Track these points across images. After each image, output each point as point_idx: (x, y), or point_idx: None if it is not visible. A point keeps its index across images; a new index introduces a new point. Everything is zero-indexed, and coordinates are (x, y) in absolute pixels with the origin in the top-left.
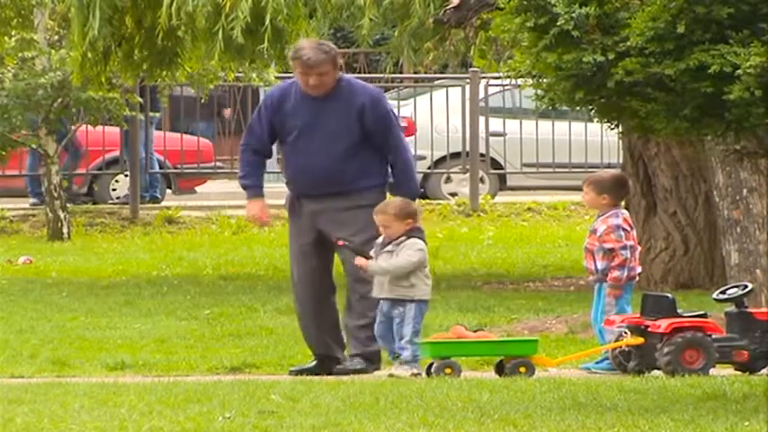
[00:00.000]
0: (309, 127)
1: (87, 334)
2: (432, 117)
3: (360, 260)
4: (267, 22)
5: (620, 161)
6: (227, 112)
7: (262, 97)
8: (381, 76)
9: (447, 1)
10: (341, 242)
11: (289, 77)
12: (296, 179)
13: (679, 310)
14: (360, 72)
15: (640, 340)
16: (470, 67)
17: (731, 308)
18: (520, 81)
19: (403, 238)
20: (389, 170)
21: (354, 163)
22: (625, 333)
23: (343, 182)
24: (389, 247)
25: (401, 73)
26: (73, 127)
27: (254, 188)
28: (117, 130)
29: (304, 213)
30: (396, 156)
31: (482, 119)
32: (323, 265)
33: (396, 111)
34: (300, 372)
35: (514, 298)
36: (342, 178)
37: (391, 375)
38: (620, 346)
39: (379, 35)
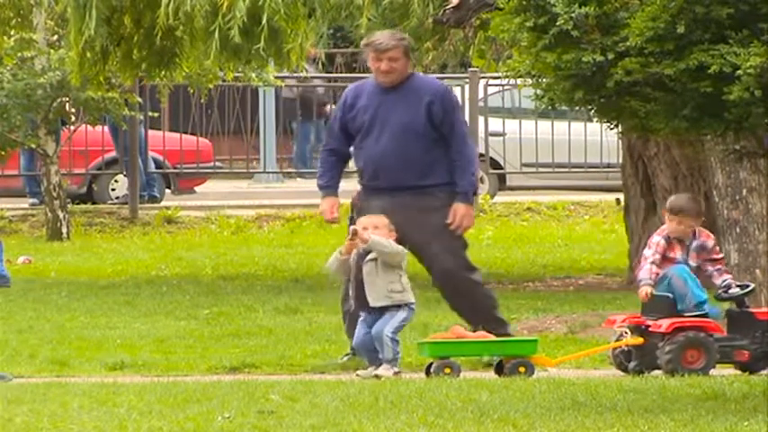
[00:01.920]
0: (380, 120)
1: (86, 334)
2: None
3: (359, 230)
4: (263, 21)
5: (620, 161)
6: (328, 109)
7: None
8: None
9: (446, 1)
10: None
11: (287, 77)
12: (366, 172)
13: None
14: (359, 72)
15: (641, 340)
16: (469, 66)
17: (732, 307)
18: (519, 81)
19: None
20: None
21: (423, 157)
22: (626, 333)
23: (412, 176)
24: (372, 255)
25: None
26: (72, 127)
27: (326, 187)
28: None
29: (372, 211)
30: (456, 148)
31: (481, 119)
32: None
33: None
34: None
35: (514, 298)
36: (411, 171)
37: (377, 377)
38: (621, 346)
39: None
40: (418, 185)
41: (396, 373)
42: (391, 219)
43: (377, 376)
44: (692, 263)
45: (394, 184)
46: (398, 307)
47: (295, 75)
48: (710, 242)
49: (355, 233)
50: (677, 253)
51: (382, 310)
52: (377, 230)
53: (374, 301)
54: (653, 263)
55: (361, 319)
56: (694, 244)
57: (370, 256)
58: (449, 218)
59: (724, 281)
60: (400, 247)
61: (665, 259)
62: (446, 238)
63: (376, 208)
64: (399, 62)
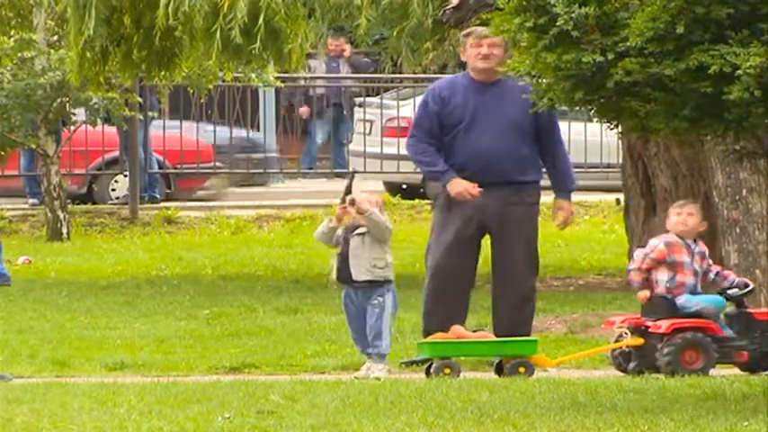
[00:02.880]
0: (483, 116)
1: (87, 334)
2: None
3: (358, 199)
4: (261, 21)
5: (620, 161)
6: (304, 111)
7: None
8: (381, 76)
9: (446, 1)
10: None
11: (287, 77)
12: (467, 165)
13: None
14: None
15: (640, 341)
16: None
17: (731, 308)
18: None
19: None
20: (544, 165)
21: (524, 153)
22: (625, 334)
23: (514, 171)
24: (361, 230)
25: (401, 73)
26: (72, 127)
27: (446, 171)
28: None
29: (467, 206)
30: (558, 149)
31: None
32: (474, 259)
33: (396, 111)
34: (412, 363)
35: None
36: (513, 166)
37: (377, 379)
38: (621, 347)
39: (379, 35)
40: (517, 181)
41: (388, 371)
42: (484, 213)
43: (378, 378)
44: (697, 267)
45: (496, 179)
46: (380, 284)
47: (325, 75)
48: (706, 250)
49: (353, 203)
50: (684, 256)
51: (365, 286)
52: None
53: (357, 274)
54: (639, 269)
55: (344, 294)
56: (697, 249)
57: (358, 231)
58: (554, 214)
59: (732, 282)
60: (387, 219)
61: (669, 263)
62: (531, 239)
63: (472, 206)
64: (498, 50)
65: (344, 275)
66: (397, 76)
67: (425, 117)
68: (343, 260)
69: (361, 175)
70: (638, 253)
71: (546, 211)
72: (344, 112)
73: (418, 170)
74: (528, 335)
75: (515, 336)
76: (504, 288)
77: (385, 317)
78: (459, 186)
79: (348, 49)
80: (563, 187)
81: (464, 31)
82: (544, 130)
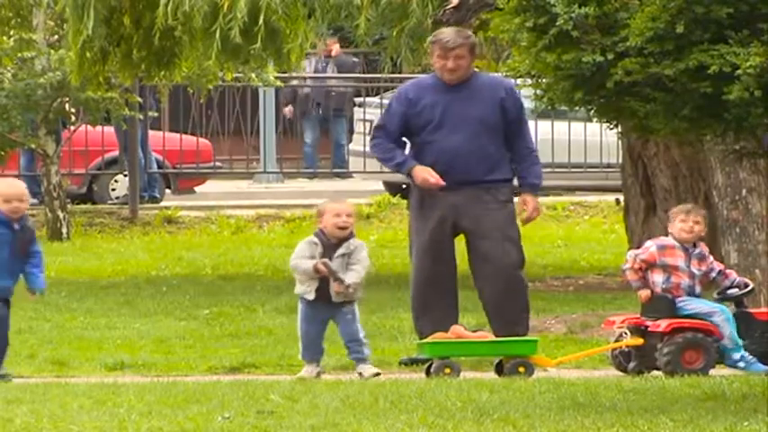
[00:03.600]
0: (453, 116)
1: (86, 334)
2: None
3: (339, 286)
4: (260, 21)
5: (620, 161)
6: (288, 110)
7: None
8: (381, 76)
9: (446, 1)
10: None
11: (287, 77)
12: (435, 165)
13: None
14: (359, 72)
15: (640, 341)
16: None
17: (731, 308)
18: (519, 81)
19: (352, 239)
20: (511, 160)
21: (494, 153)
22: (625, 334)
23: (483, 171)
24: (341, 251)
25: (400, 73)
26: (72, 127)
27: (408, 161)
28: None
29: (439, 207)
30: (524, 143)
31: None
32: (455, 259)
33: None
34: (413, 362)
35: None
36: (482, 166)
37: (377, 374)
38: (620, 347)
39: (378, 35)
40: (486, 180)
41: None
42: (457, 212)
43: (378, 373)
44: (696, 270)
45: (465, 179)
46: (349, 303)
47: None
48: (707, 250)
49: (345, 288)
50: (679, 259)
51: (338, 305)
52: (349, 218)
53: (337, 296)
54: (632, 268)
55: (308, 311)
56: (696, 251)
57: (339, 252)
58: (520, 209)
59: (732, 281)
60: (368, 263)
61: (661, 266)
62: (511, 234)
63: (444, 207)
64: (465, 60)
65: (324, 295)
66: (397, 76)
67: (387, 118)
68: (323, 281)
69: (361, 174)
70: (630, 253)
71: (545, 212)
72: (335, 112)
73: None
74: (525, 332)
75: (511, 330)
76: (502, 292)
77: (358, 323)
78: (421, 174)
79: (336, 49)
80: (525, 182)
81: (430, 37)
82: (512, 123)
